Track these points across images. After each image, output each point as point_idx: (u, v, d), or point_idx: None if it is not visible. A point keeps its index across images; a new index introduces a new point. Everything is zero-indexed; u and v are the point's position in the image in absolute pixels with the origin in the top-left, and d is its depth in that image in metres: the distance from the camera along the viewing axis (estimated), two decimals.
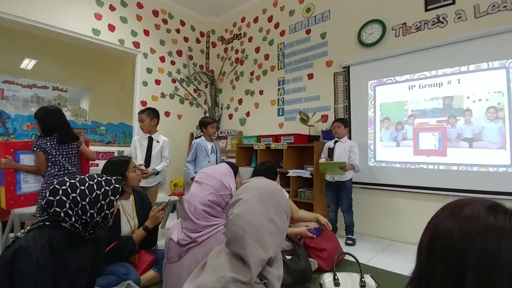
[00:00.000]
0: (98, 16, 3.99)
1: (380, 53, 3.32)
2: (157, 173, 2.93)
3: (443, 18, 2.93)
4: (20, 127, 3.50)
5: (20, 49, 4.25)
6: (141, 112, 3.03)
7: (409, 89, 3.12)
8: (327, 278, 1.77)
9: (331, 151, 3.19)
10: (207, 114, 5.26)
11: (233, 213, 0.92)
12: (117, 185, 1.30)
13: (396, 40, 3.23)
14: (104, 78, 5.03)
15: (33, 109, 4.11)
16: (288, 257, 2.05)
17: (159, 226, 2.24)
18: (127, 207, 2.09)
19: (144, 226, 2.03)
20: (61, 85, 4.37)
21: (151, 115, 3.00)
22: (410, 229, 3.00)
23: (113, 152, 4.06)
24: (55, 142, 2.36)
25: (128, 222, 2.05)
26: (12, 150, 2.30)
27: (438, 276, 0.50)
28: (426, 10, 3.03)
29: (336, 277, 1.74)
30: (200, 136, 3.40)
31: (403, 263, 2.40)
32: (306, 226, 2.43)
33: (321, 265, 2.21)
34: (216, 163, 3.27)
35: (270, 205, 0.94)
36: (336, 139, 3.21)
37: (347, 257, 2.36)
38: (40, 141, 2.32)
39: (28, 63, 4.54)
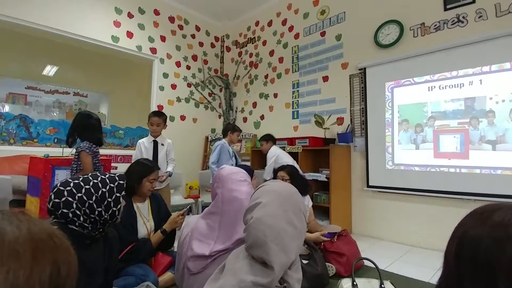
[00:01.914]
0: (117, 24, 4.11)
1: (397, 54, 3.26)
2: (171, 174, 3.00)
3: (463, 17, 2.85)
4: (43, 132, 3.63)
5: (43, 56, 4.41)
6: (157, 115, 2.98)
7: (429, 90, 3.04)
8: (346, 283, 1.74)
9: None
10: (222, 118, 5.30)
11: (253, 217, 0.91)
12: (121, 182, 1.31)
13: (414, 40, 3.17)
14: (122, 83, 5.15)
15: (55, 114, 4.26)
16: (305, 262, 2.03)
17: (176, 228, 2.26)
18: (143, 210, 2.12)
19: (162, 229, 2.05)
20: (82, 91, 4.51)
21: (165, 121, 3.02)
22: (431, 235, 2.91)
23: (131, 156, 4.14)
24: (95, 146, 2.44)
25: (145, 225, 2.08)
26: (50, 166, 2.46)
27: (467, 284, 0.48)
28: (446, 9, 2.96)
29: (355, 283, 1.71)
30: (220, 139, 3.47)
31: (424, 269, 2.34)
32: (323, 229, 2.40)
33: (339, 270, 2.17)
34: None
35: (289, 208, 0.93)
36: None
37: (366, 263, 2.31)
38: (88, 145, 2.34)
39: (50, 70, 4.71)
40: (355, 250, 2.40)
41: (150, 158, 2.91)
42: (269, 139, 3.63)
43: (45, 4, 3.50)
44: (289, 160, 3.29)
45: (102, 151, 3.85)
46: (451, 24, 2.93)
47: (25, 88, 4.46)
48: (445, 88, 2.94)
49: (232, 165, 3.24)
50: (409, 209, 3.13)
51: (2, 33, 3.54)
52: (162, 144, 3.04)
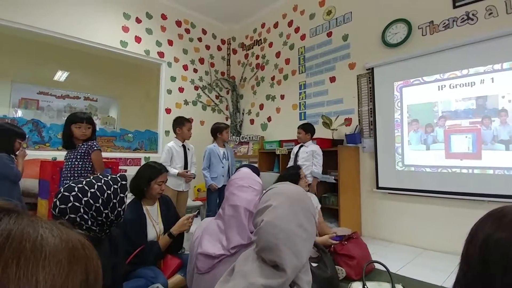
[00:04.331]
0: (125, 29, 4.17)
1: (406, 53, 3.22)
2: (194, 176, 3.16)
3: (472, 14, 2.80)
4: (55, 136, 3.70)
5: (54, 62, 4.49)
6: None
7: (439, 89, 2.99)
8: (356, 287, 1.72)
9: (296, 155, 3.35)
10: (229, 120, 5.32)
11: (264, 220, 0.91)
12: (123, 182, 1.34)
13: (423, 39, 3.13)
14: (131, 87, 5.21)
15: None
16: (314, 265, 2.01)
17: (185, 231, 2.27)
18: (152, 212, 2.13)
19: (169, 233, 2.06)
20: (92, 95, 4.58)
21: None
22: (443, 237, 2.85)
23: (140, 159, 4.19)
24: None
25: (154, 227, 2.09)
26: (58, 168, 2.52)
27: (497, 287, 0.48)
28: (455, 7, 2.91)
29: (365, 286, 1.68)
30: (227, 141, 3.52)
31: (437, 272, 2.30)
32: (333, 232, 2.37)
33: (349, 274, 2.14)
34: (229, 169, 3.34)
35: (300, 210, 0.93)
36: (301, 143, 3.37)
37: (377, 266, 2.27)
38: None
39: (61, 75, 4.79)
40: (366, 253, 2.37)
41: (182, 161, 3.12)
42: (308, 130, 3.33)
43: (55, 11, 3.58)
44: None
45: (111, 154, 3.92)
46: (461, 22, 2.88)
47: (37, 93, 4.54)
48: (456, 87, 2.88)
49: (223, 167, 3.27)
50: (420, 211, 3.07)
51: (14, 40, 3.63)
52: (188, 149, 3.22)
